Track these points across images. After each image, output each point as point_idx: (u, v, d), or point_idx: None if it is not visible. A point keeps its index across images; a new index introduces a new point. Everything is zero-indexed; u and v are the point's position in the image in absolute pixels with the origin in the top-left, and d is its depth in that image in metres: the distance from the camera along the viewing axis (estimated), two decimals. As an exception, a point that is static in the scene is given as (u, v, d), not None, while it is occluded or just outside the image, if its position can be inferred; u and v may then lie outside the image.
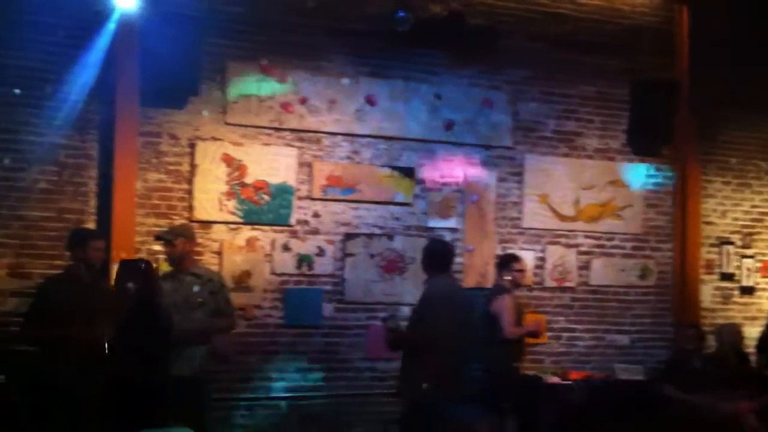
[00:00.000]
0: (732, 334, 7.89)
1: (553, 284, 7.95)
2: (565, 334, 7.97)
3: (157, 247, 6.39)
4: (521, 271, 7.02)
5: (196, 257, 6.31)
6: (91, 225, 6.46)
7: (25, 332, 5.68)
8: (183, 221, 6.67)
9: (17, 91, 6.31)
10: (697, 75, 8.35)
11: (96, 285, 5.77)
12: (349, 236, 7.24)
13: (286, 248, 7.05)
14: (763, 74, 8.52)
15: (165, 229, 6.25)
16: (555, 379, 7.46)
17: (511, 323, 6.60)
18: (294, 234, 7.09)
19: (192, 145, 6.83)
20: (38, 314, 5.59)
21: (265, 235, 7.01)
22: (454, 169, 7.69)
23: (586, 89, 8.20)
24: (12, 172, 6.32)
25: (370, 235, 7.31)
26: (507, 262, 6.95)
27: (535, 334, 7.04)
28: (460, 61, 7.70)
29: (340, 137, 7.31)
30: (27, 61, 6.34)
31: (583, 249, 8.10)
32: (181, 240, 5.84)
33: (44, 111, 6.38)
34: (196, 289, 5.80)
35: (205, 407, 5.84)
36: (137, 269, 5.46)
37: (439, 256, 5.71)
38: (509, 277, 6.83)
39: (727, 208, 8.71)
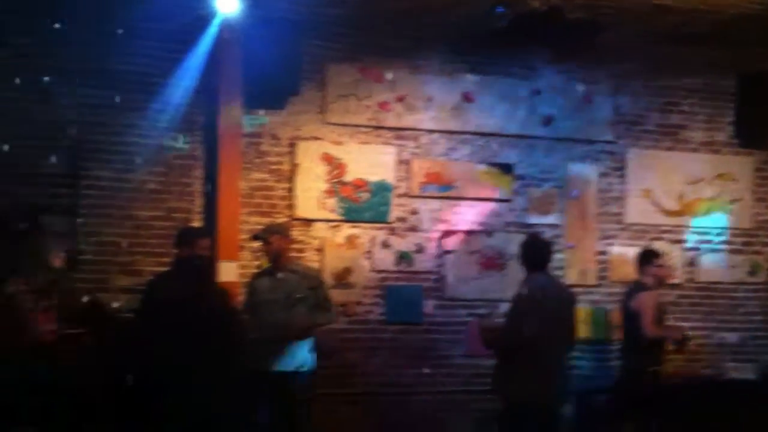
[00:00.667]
0: None
1: (658, 281, 7.74)
2: (671, 333, 7.75)
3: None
4: (663, 266, 6.80)
5: (295, 254, 6.44)
6: (197, 223, 6.65)
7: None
8: (284, 219, 6.80)
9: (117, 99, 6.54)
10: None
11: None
12: (447, 233, 7.23)
13: (385, 245, 7.10)
14: None
15: (262, 228, 6.38)
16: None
17: (650, 322, 6.31)
18: (393, 231, 7.13)
19: (293, 145, 6.96)
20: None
21: (364, 233, 7.07)
22: (554, 165, 7.60)
23: (690, 81, 8.00)
24: (123, 173, 6.56)
25: (468, 232, 7.29)
26: (648, 257, 6.69)
27: (679, 344, 6.58)
28: (560, 56, 7.59)
29: (437, 134, 7.32)
30: (134, 66, 6.55)
31: (689, 245, 7.88)
32: (276, 237, 5.96)
33: (151, 114, 6.58)
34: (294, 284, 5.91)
35: (306, 402, 5.93)
36: (193, 266, 5.61)
37: (535, 252, 5.64)
38: (651, 274, 6.62)
39: None
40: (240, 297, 6.29)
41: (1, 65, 6.30)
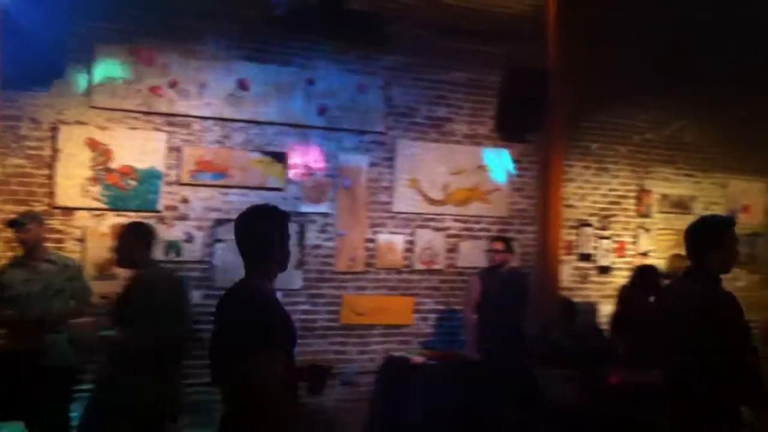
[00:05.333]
0: (589, 312, 8.36)
1: (422, 267, 8.13)
2: (432, 315, 8.20)
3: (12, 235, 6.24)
4: None
5: (54, 245, 6.25)
6: (-56, 212, 6.18)
7: None
8: (44, 208, 6.48)
9: None
10: (565, 62, 8.61)
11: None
12: (219, 222, 7.18)
13: (153, 235, 6.94)
14: (626, 62, 8.92)
15: (18, 215, 6.06)
16: (421, 360, 7.66)
17: None
18: (162, 220, 6.98)
19: (54, 129, 6.60)
20: None
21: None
22: (327, 154, 7.72)
23: (458, 75, 8.35)
24: None
25: (240, 221, 7.27)
26: None
27: None
28: (336, 46, 7.69)
29: (211, 121, 7.21)
30: None
31: (451, 232, 8.31)
32: (34, 225, 5.77)
33: None
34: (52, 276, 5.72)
35: (69, 397, 5.79)
36: None
37: None
38: None
39: (586, 192, 9.10)
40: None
41: None
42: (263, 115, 7.40)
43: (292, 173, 7.53)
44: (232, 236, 6.94)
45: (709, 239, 4.30)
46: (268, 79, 7.39)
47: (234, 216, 6.94)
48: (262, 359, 3.18)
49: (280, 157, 7.45)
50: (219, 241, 7.18)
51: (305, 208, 7.59)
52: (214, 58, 7.20)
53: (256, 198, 7.33)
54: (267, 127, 7.43)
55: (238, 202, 7.28)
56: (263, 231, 3.58)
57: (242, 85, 7.29)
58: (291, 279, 7.43)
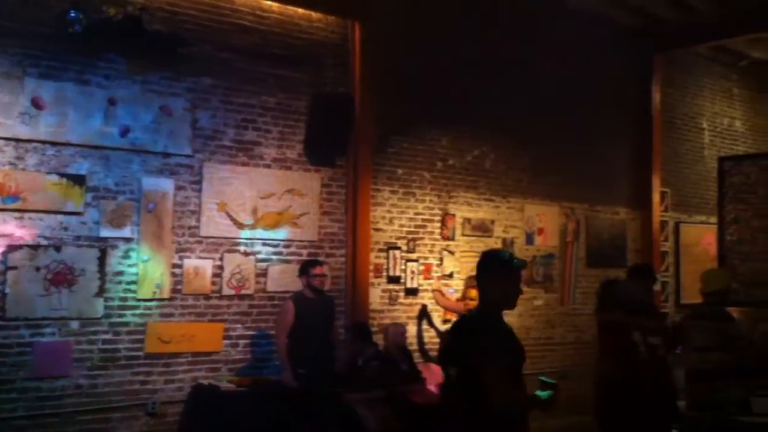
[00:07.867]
0: (396, 334, 8.53)
1: (231, 292, 7.99)
2: (243, 341, 8.07)
3: None
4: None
5: None
6: None
7: None
8: None
9: None
10: (370, 89, 8.85)
11: None
12: (11, 248, 6.74)
13: (-64, 263, 6.43)
14: (429, 89, 9.30)
15: None
16: (231, 387, 7.51)
17: None
18: (-54, 247, 6.48)
19: None
20: None
21: None
22: (129, 177, 7.45)
23: (266, 100, 8.34)
24: None
25: (35, 247, 6.86)
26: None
27: None
28: (137, 66, 7.45)
29: (2, 142, 6.77)
30: None
31: (261, 256, 8.24)
32: None
33: None
34: None
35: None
36: None
37: None
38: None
39: (394, 216, 9.31)
40: None
41: None
42: (60, 136, 7.03)
43: (91, 197, 7.20)
44: (27, 263, 6.72)
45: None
46: (65, 98, 7.05)
47: (31, 242, 6.73)
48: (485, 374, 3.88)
49: (78, 180, 7.11)
50: (12, 268, 6.73)
51: (106, 233, 7.26)
52: (5, 75, 6.79)
53: (52, 222, 7.00)
54: (64, 148, 7.07)
55: (33, 226, 6.89)
56: (483, 276, 4.23)
57: (36, 104, 6.90)
58: (91, 307, 7.10)
